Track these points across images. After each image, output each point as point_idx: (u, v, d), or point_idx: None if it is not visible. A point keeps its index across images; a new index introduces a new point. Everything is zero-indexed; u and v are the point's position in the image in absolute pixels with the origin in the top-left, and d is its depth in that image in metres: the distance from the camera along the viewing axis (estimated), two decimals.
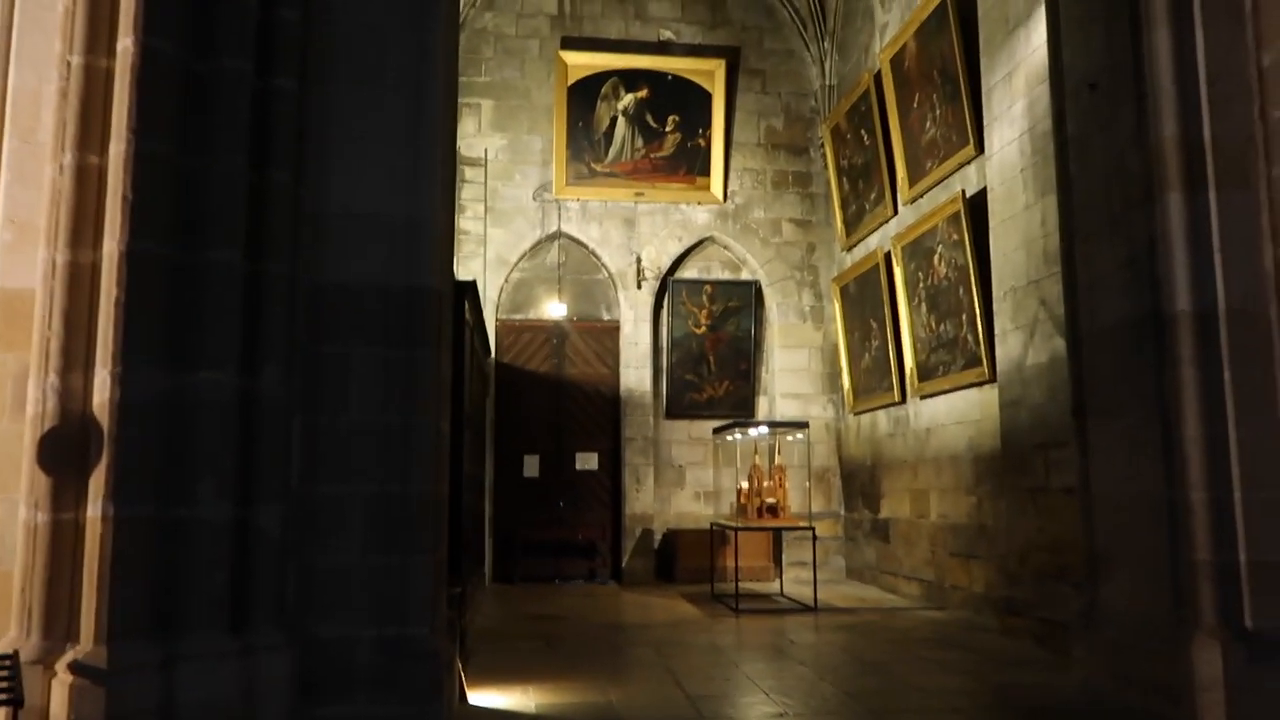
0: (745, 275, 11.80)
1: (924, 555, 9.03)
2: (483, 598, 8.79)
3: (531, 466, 10.92)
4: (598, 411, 11.27)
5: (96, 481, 3.71)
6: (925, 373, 9.00)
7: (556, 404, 11.22)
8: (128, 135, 3.92)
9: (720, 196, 11.73)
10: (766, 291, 11.71)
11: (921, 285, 9.04)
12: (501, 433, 10.95)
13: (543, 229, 11.47)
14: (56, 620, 3.71)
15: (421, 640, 4.28)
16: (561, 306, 11.44)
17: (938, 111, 8.79)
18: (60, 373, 3.87)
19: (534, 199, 11.46)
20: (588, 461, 11.06)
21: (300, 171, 4.42)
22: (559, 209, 11.49)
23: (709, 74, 11.92)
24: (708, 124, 11.85)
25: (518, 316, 11.34)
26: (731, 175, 11.83)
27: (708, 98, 11.88)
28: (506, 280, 11.34)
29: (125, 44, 4.01)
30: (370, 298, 4.51)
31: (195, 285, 3.99)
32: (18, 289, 4.36)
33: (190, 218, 4.02)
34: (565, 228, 11.51)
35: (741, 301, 11.63)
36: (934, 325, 8.79)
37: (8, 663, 3.39)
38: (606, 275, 11.57)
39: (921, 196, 9.19)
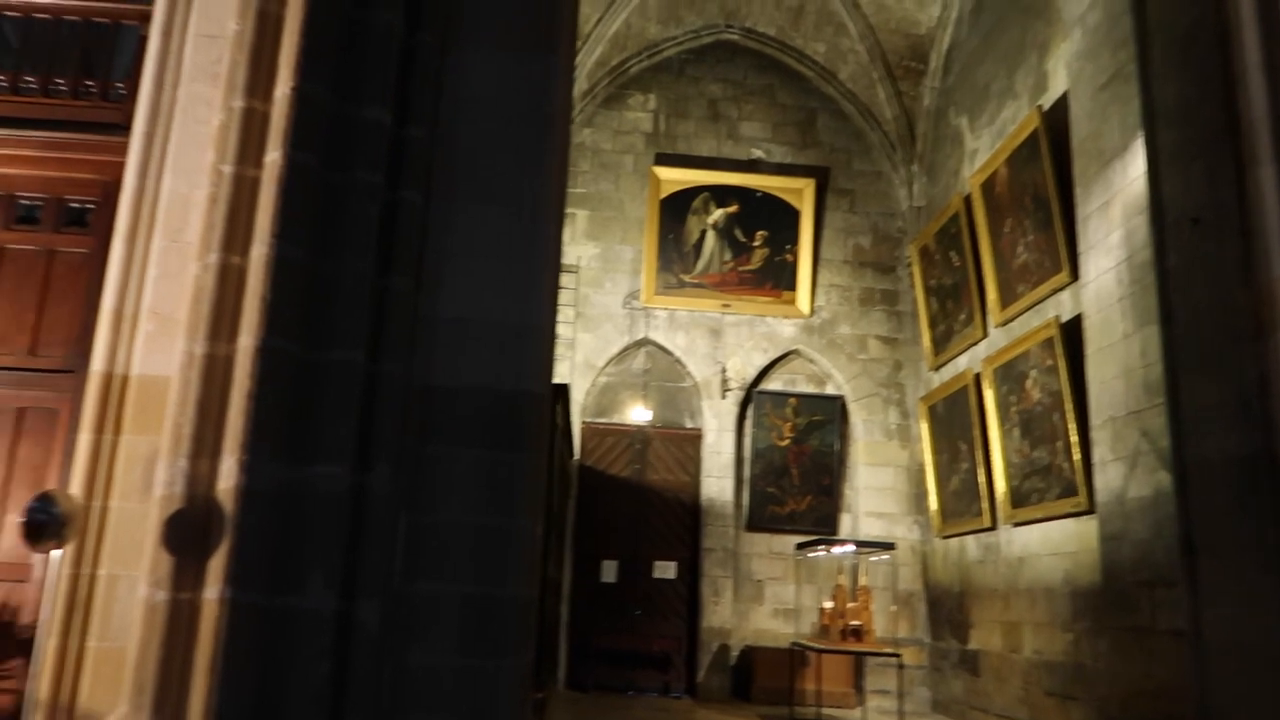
0: (830, 390, 11.78)
1: (1016, 693, 8.62)
2: (559, 705, 8.67)
3: (609, 572, 10.86)
4: (677, 519, 11.22)
5: (216, 564, 3.86)
6: (1018, 499, 8.77)
7: (636, 509, 11.22)
8: (270, 239, 4.21)
9: (806, 311, 11.84)
10: (851, 407, 11.65)
11: (1014, 409, 8.90)
12: (581, 535, 10.96)
13: (630, 335, 11.69)
14: (166, 700, 3.81)
15: None
16: (646, 412, 11.55)
17: (1030, 237, 8.82)
18: (190, 457, 4.07)
19: (623, 306, 11.73)
20: (665, 570, 10.96)
21: (419, 278, 4.68)
22: (647, 317, 11.73)
23: (797, 192, 12.21)
24: (795, 240, 12.07)
25: (602, 420, 11.48)
26: (818, 291, 11.95)
27: (795, 215, 12.14)
28: (593, 384, 11.53)
29: (274, 156, 4.35)
30: (477, 401, 4.67)
31: (318, 382, 4.20)
32: (154, 376, 4.66)
33: (317, 318, 4.27)
34: (652, 335, 11.72)
35: (826, 416, 11.59)
36: (1027, 450, 8.61)
37: None
38: (691, 383, 11.68)
39: (1013, 320, 9.14)
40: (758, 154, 12.42)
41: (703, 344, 11.72)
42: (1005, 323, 9.28)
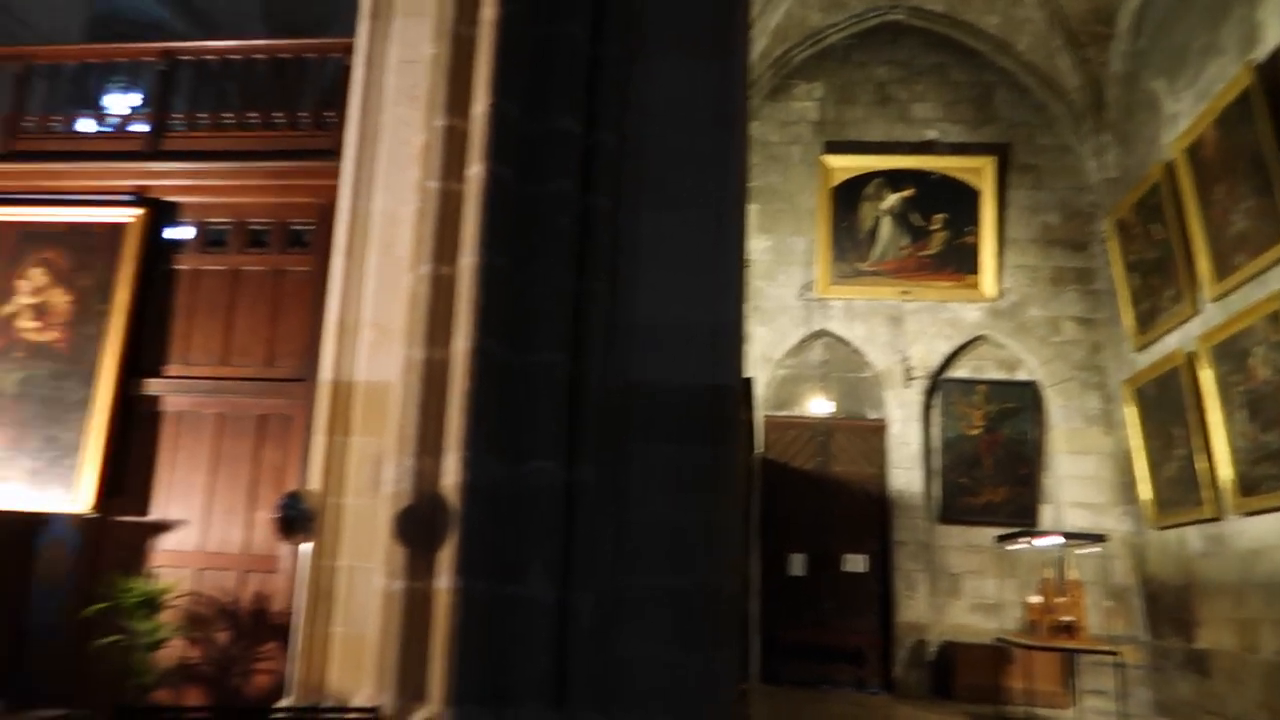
0: (1022, 375, 11.24)
1: (1255, 696, 7.94)
2: (755, 699, 8.70)
3: (797, 565, 10.79)
4: (864, 512, 11.01)
5: (445, 555, 4.12)
6: (1247, 487, 8.08)
7: (822, 503, 11.08)
8: (476, 249, 4.44)
9: (992, 294, 11.35)
10: (1046, 393, 11.07)
11: (1237, 389, 8.21)
12: (766, 529, 10.94)
13: (807, 327, 11.56)
14: (408, 680, 4.10)
15: None
16: (827, 404, 11.40)
17: (1247, 203, 8.11)
18: (415, 456, 4.37)
19: (798, 298, 11.61)
20: (855, 563, 10.77)
21: (613, 280, 4.82)
22: (823, 308, 11.56)
23: (976, 171, 11.72)
24: (976, 221, 11.59)
25: (783, 413, 11.41)
26: (1004, 272, 11.43)
27: (975, 195, 11.66)
28: (772, 377, 11.48)
29: (476, 170, 4.59)
30: (673, 397, 4.76)
31: (526, 382, 4.40)
32: (376, 382, 5.01)
33: (522, 322, 4.47)
34: (829, 326, 11.54)
35: (1019, 403, 11.07)
36: (1255, 434, 7.92)
37: (372, 716, 3.79)
38: (872, 374, 11.42)
39: (1231, 293, 8.43)
40: (932, 135, 12.00)
41: (882, 333, 11.44)
42: (1221, 297, 8.58)
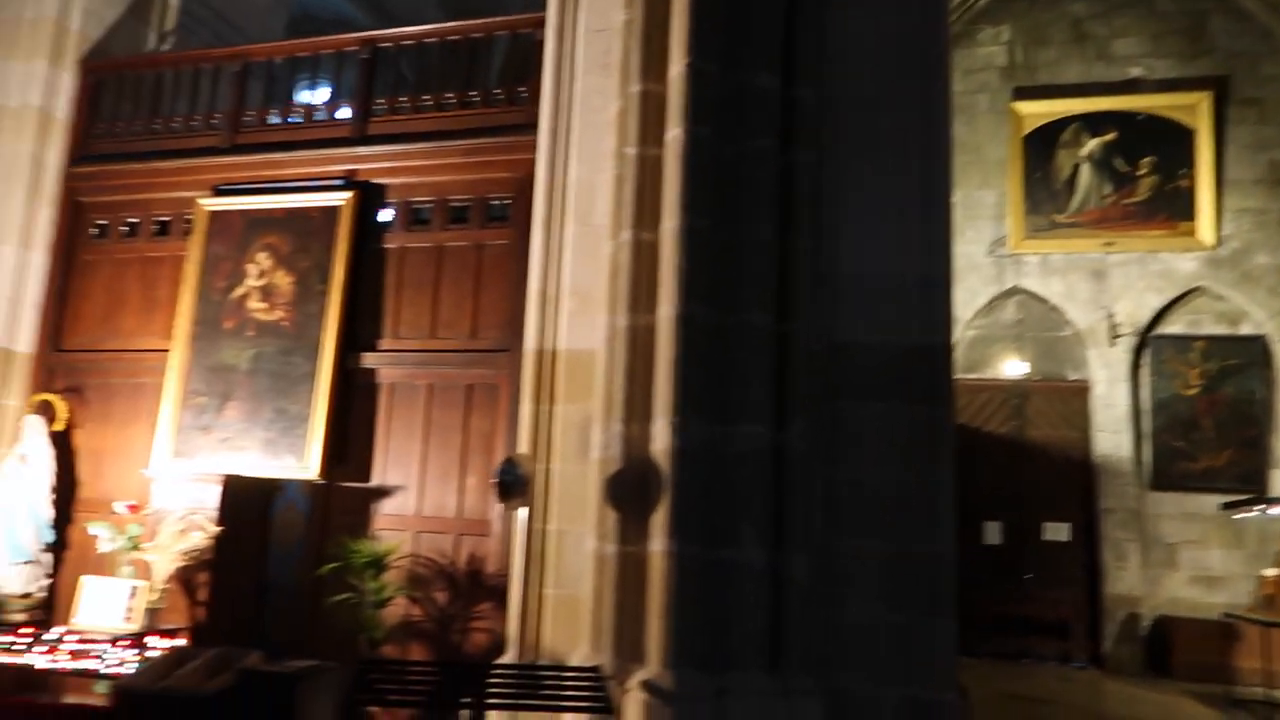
0: (1247, 330, 10.26)
1: None
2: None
3: (992, 534, 10.32)
4: (1066, 478, 10.39)
5: (657, 519, 4.14)
6: None
7: (1018, 468, 10.54)
8: (679, 212, 4.40)
9: (1210, 242, 10.39)
10: (1277, 348, 10.06)
11: None
12: (958, 496, 10.47)
13: (998, 285, 10.96)
14: (624, 642, 4.17)
15: (947, 707, 4.17)
16: (1021, 365, 10.80)
17: None
18: (623, 422, 4.40)
19: (988, 254, 11.02)
20: (1057, 532, 10.20)
21: (816, 237, 4.68)
22: (1016, 264, 10.93)
23: (1190, 109, 10.72)
24: (1190, 163, 10.62)
25: (973, 376, 10.88)
26: (1224, 218, 10.43)
27: (1188, 135, 10.67)
28: (960, 338, 10.97)
29: (675, 133, 4.54)
30: (882, 355, 4.59)
31: (731, 345, 4.34)
32: (578, 350, 5.09)
33: (726, 284, 4.41)
34: (1023, 283, 10.91)
35: (1244, 359, 10.11)
36: None
37: (593, 675, 3.87)
38: (1072, 332, 10.72)
39: None
40: (1136, 73, 11.06)
41: (1083, 288, 10.70)
42: None
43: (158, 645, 3.79)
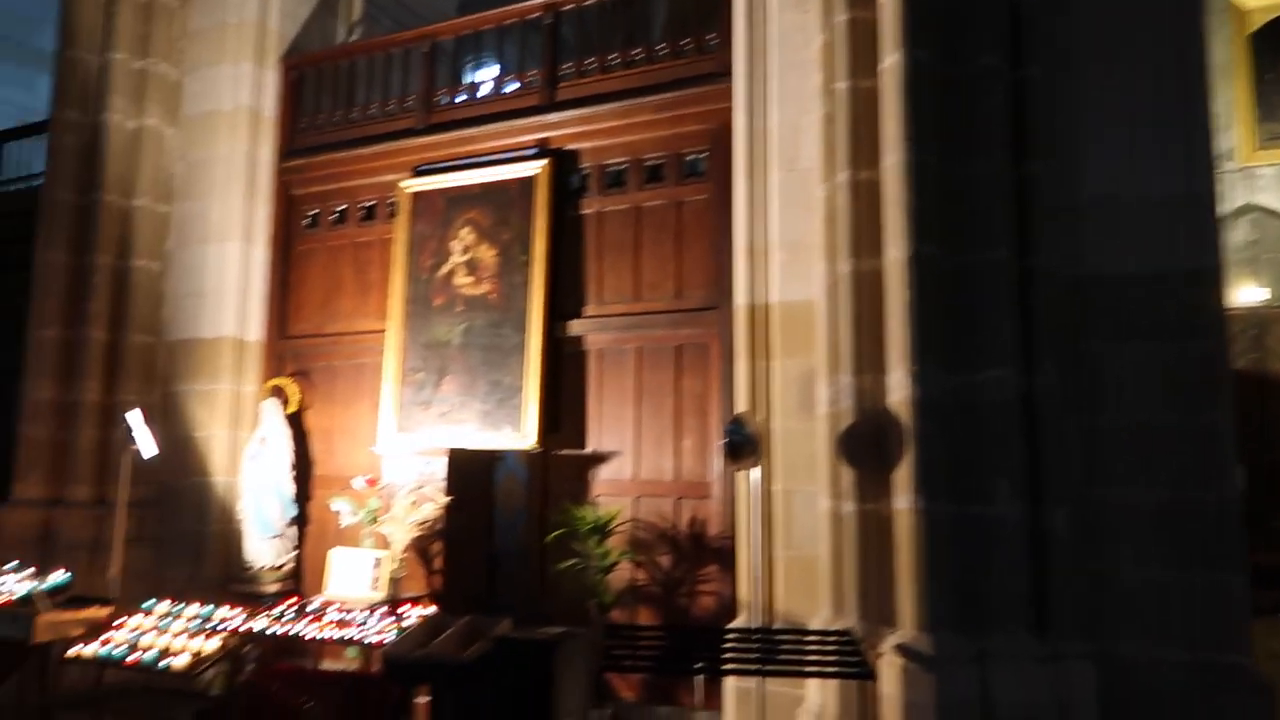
0: None
1: None
2: None
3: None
4: None
5: (900, 475, 3.90)
6: None
7: (1260, 405, 9.54)
8: (902, 145, 4.08)
9: None
10: None
11: None
12: None
13: (1227, 202, 9.88)
14: (870, 604, 3.98)
15: (1244, 671, 3.75)
16: (1258, 292, 9.74)
17: None
18: (854, 374, 4.17)
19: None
20: None
21: (1055, 161, 4.25)
22: (1247, 178, 9.83)
23: None
24: None
25: None
26: None
27: None
28: None
29: (891, 60, 4.20)
30: (1141, 286, 4.14)
31: (968, 285, 4.00)
32: (793, 302, 4.88)
33: (957, 220, 4.06)
34: (1257, 199, 9.81)
35: None
36: None
37: (843, 639, 3.70)
38: None
39: None
40: None
41: None
42: None
43: (411, 614, 3.90)
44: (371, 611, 3.98)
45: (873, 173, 4.27)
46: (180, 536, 6.58)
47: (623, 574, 5.34)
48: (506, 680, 3.40)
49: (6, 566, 5.36)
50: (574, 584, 5.48)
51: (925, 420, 3.86)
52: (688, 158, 5.67)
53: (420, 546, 5.38)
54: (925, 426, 3.86)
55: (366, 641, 3.73)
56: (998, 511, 3.83)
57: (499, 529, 5.83)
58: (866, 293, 4.20)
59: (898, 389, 3.95)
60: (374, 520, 5.27)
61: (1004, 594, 3.79)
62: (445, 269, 6.10)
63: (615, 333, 5.69)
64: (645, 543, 5.41)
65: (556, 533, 5.32)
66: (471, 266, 6.03)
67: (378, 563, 5.08)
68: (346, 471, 6.41)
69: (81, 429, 6.50)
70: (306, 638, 3.86)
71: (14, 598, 4.68)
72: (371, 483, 5.43)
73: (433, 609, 4.03)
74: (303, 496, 6.44)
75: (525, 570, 5.72)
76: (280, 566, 6.30)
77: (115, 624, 4.39)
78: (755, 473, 4.22)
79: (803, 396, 4.73)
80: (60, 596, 4.69)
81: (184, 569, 6.45)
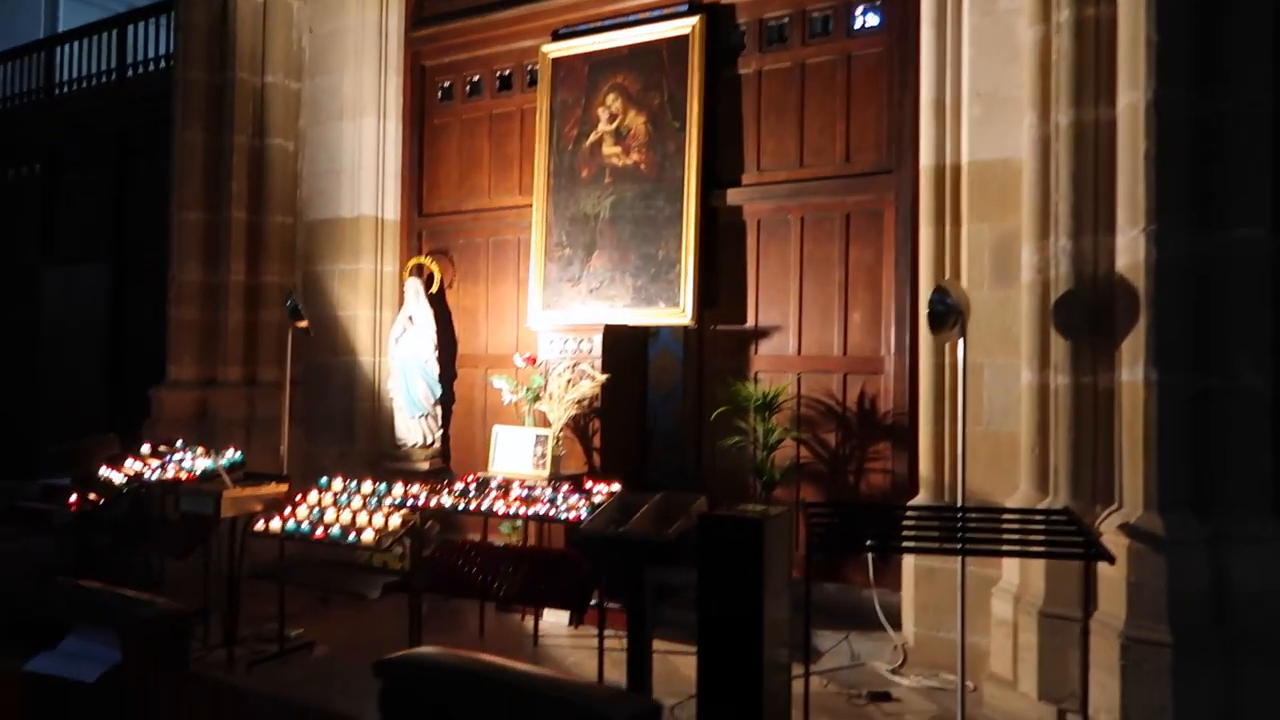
0: None
1: None
2: None
3: None
4: None
5: (1127, 346, 3.57)
6: None
7: None
8: None
9: None
10: None
11: None
12: None
13: None
14: (1081, 482, 3.73)
15: None
16: None
17: None
18: (1071, 236, 3.81)
19: None
20: None
21: None
22: None
23: None
24: None
25: None
26: None
27: None
28: None
29: None
30: None
31: (1217, 133, 3.55)
32: (987, 161, 4.47)
33: (1206, 57, 3.58)
34: None
35: None
36: None
37: (1056, 517, 3.47)
38: None
39: None
40: None
41: None
42: None
43: (598, 491, 3.81)
44: (554, 488, 3.90)
45: (1096, 9, 3.80)
46: (329, 415, 6.65)
47: (784, 452, 5.18)
48: (710, 559, 3.28)
49: (176, 445, 5.47)
50: (731, 461, 5.36)
51: (1162, 285, 3.50)
52: (857, 7, 5.20)
53: (576, 424, 5.28)
54: (1161, 291, 3.50)
55: (560, 518, 3.65)
56: (1241, 385, 3.49)
57: (653, 406, 5.71)
58: (1089, 146, 3.80)
59: (1128, 251, 3.59)
60: (536, 398, 5.18)
61: (1244, 474, 3.48)
62: (591, 139, 5.82)
63: (777, 201, 5.37)
64: (810, 419, 5.22)
65: (720, 409, 5.16)
66: (620, 135, 5.73)
67: (541, 440, 5.01)
68: (490, 350, 6.35)
69: (229, 310, 6.54)
70: (500, 513, 3.80)
71: (196, 474, 4.76)
72: (531, 360, 5.32)
73: (614, 486, 3.92)
74: (447, 376, 6.41)
75: (681, 448, 5.62)
76: (429, 444, 6.33)
77: (295, 500, 4.42)
78: (953, 345, 3.93)
79: (997, 263, 4.39)
80: (237, 473, 4.76)
81: (333, 446, 6.54)
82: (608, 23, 5.87)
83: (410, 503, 4.07)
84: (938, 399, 4.56)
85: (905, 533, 3.77)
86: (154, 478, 4.91)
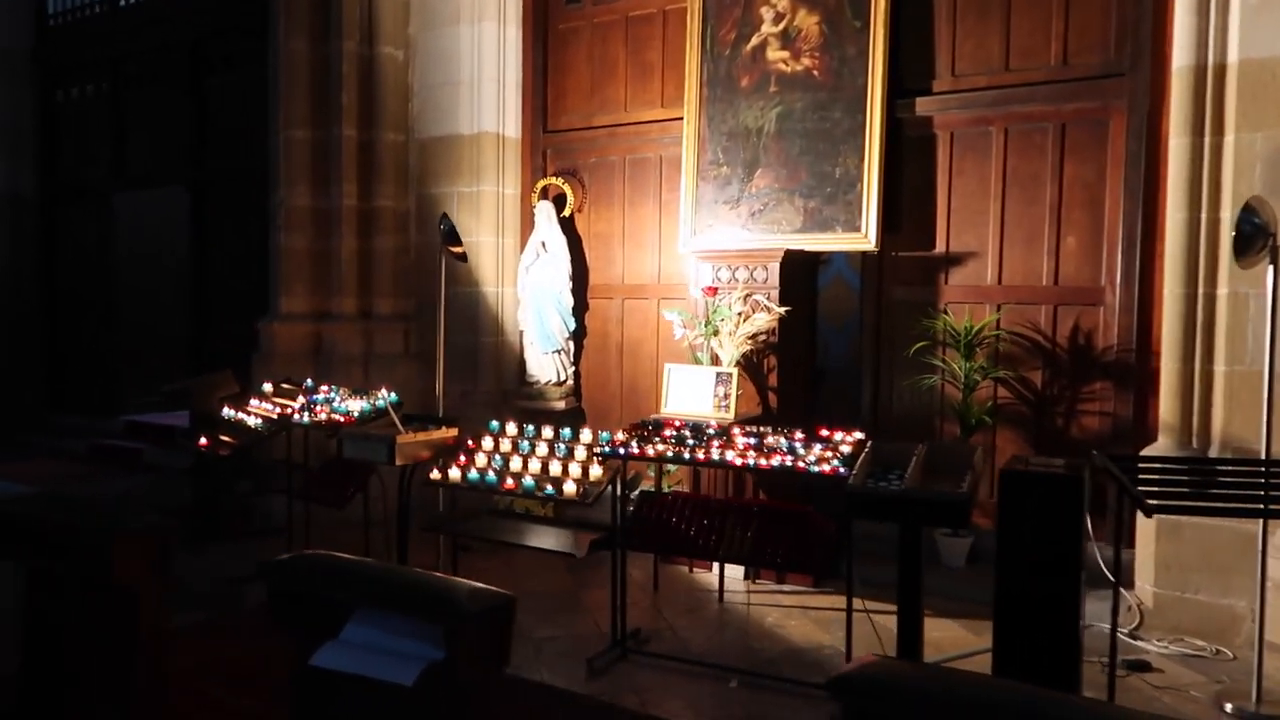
0: None
1: None
2: None
3: None
4: None
5: None
6: None
7: None
8: None
9: None
10: None
11: None
12: None
13: None
14: None
15: None
16: None
17: None
18: None
19: None
20: None
21: None
22: None
23: None
24: None
25: None
26: None
27: None
28: None
29: None
30: None
31: None
32: (1264, 58, 3.88)
33: None
34: None
35: None
36: None
37: None
38: None
39: None
40: None
41: None
42: None
43: (840, 439, 3.33)
44: (785, 435, 3.43)
45: None
46: (451, 350, 6.16)
47: (979, 393, 4.69)
48: (1015, 520, 2.82)
49: (305, 383, 5.04)
50: (913, 403, 4.90)
51: None
52: None
53: (748, 362, 4.79)
54: None
55: (811, 470, 3.19)
56: None
57: (824, 341, 5.22)
58: None
59: None
60: (716, 333, 4.67)
61: None
62: (753, 43, 5.21)
63: (975, 110, 4.79)
64: (1011, 357, 4.71)
65: (918, 344, 4.66)
66: (787, 38, 5.12)
67: (724, 379, 4.52)
68: (628, 280, 5.85)
69: (342, 237, 6.04)
70: (735, 463, 3.34)
71: (354, 416, 4.32)
72: (711, 291, 4.79)
73: (855, 435, 3.44)
74: (579, 308, 5.92)
75: (855, 387, 5.14)
76: (562, 381, 5.88)
77: (468, 445, 3.98)
78: (1269, 273, 3.37)
79: (1271, 179, 3.82)
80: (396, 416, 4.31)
81: (458, 384, 6.08)
82: None
83: (616, 451, 3.60)
84: (1187, 334, 4.03)
85: (1183, 489, 3.29)
86: (304, 419, 4.47)
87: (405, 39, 6.18)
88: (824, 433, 3.48)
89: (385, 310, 6.15)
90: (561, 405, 5.82)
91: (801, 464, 3.27)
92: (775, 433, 3.53)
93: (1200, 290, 3.99)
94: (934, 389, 4.79)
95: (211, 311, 7.84)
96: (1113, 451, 4.34)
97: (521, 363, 5.97)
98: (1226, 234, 3.94)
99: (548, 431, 4.00)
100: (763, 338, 4.77)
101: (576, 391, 5.99)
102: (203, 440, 4.84)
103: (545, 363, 5.84)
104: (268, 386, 5.24)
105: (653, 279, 5.74)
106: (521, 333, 5.93)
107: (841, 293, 5.13)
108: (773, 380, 4.84)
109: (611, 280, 5.91)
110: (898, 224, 4.95)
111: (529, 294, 5.80)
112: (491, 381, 6.11)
